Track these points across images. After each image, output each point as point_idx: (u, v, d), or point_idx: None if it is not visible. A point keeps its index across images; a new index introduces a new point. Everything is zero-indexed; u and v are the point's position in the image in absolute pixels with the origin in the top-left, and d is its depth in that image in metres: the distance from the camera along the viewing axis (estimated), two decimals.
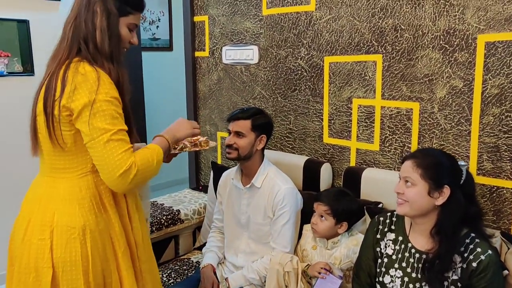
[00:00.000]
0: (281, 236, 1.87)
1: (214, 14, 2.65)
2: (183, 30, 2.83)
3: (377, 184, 1.93)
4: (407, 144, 1.96)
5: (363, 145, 2.11)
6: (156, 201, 2.54)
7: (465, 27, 1.75)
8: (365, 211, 1.88)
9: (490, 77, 1.71)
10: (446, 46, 1.81)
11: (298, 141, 2.36)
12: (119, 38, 1.33)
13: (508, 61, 1.67)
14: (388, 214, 1.55)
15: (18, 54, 2.79)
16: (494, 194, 1.75)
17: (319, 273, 1.68)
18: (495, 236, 1.60)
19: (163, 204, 2.48)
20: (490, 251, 1.33)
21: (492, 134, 1.73)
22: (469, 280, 1.34)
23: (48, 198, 1.31)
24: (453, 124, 1.83)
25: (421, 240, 1.43)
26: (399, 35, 1.93)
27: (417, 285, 1.41)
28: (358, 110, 2.11)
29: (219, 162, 2.75)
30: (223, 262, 2.07)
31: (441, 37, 1.82)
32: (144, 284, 1.41)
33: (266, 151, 2.03)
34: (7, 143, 2.76)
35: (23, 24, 2.76)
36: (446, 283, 1.35)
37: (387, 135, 2.03)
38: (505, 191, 1.72)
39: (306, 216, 1.95)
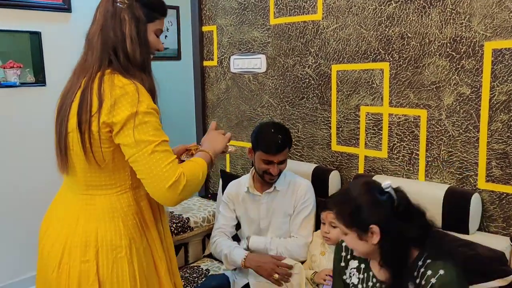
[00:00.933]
0: (302, 228, 1.93)
1: (222, 24, 2.68)
2: (192, 39, 2.87)
3: None
4: (415, 151, 1.97)
5: (371, 153, 2.12)
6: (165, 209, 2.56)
7: (472, 34, 1.76)
8: None
9: (498, 84, 1.72)
10: (453, 53, 1.82)
11: (306, 149, 2.38)
12: (148, 46, 1.28)
13: None
14: None
15: (30, 65, 2.84)
16: (504, 201, 1.75)
17: (324, 280, 1.71)
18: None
19: (173, 212, 2.50)
20: (441, 272, 1.23)
21: (500, 141, 1.74)
22: None
23: (87, 217, 1.24)
24: (461, 131, 1.83)
25: (379, 269, 1.37)
26: (405, 43, 1.95)
27: None
28: (366, 118, 2.12)
29: (227, 170, 2.77)
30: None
31: (448, 44, 1.83)
32: None
33: None
34: (19, 153, 2.80)
35: (35, 36, 2.81)
36: None
37: (395, 142, 2.03)
38: None
39: (315, 222, 1.97)
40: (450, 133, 1.86)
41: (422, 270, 1.27)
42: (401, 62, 1.97)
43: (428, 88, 1.90)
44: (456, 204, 1.73)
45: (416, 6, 1.89)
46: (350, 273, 1.47)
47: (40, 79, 2.86)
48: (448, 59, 1.84)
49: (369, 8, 2.04)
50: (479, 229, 1.78)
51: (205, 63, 2.82)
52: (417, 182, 1.95)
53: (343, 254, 1.50)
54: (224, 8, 2.65)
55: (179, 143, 1.52)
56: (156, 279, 1.30)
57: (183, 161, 1.41)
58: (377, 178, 2.00)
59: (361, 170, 2.16)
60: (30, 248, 2.84)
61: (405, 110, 1.98)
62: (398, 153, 2.03)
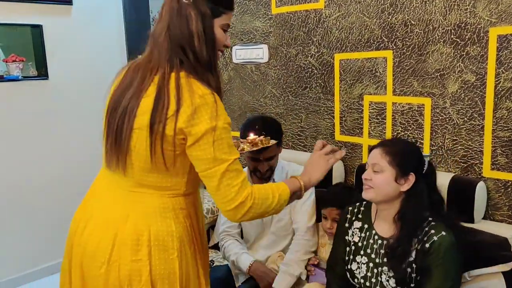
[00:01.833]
0: (301, 214, 1.91)
1: None
2: None
3: None
4: (419, 140, 1.95)
5: (375, 142, 2.08)
6: None
7: (477, 20, 1.73)
8: None
9: (503, 71, 1.69)
10: (458, 40, 1.79)
11: (310, 139, 2.36)
12: (215, 42, 1.23)
13: None
14: (357, 204, 1.61)
15: (33, 58, 2.85)
16: (509, 189, 1.73)
17: (309, 271, 1.79)
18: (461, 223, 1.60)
19: None
20: (443, 232, 1.38)
21: (506, 128, 1.71)
22: (423, 261, 1.38)
23: (137, 214, 1.20)
24: (465, 119, 1.81)
25: (384, 226, 1.49)
26: (409, 31, 1.92)
27: (380, 269, 1.47)
28: (369, 107, 2.10)
29: None
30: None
31: (452, 31, 1.80)
32: None
33: None
34: (22, 146, 2.81)
35: (37, 29, 2.81)
36: (403, 265, 1.40)
37: (399, 131, 2.01)
38: None
39: (316, 214, 1.96)
40: (455, 121, 1.84)
41: (426, 229, 1.41)
42: (404, 50, 1.95)
43: (432, 76, 1.88)
44: (461, 193, 1.72)
45: None
46: (352, 232, 1.57)
47: (42, 73, 2.86)
48: (452, 46, 1.81)
49: None
50: (484, 218, 1.77)
51: None
52: None
53: (348, 216, 1.60)
54: None
55: None
56: (197, 286, 1.29)
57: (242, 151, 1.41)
58: None
59: (365, 160, 2.14)
60: (40, 240, 2.87)
61: (409, 99, 1.96)
62: None
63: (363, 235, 1.54)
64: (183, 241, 1.23)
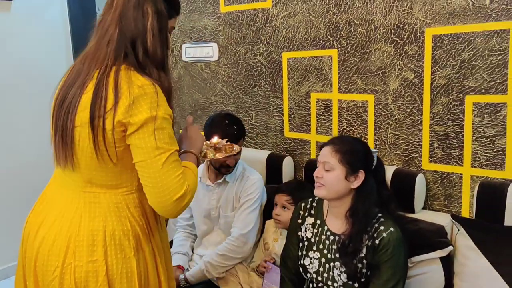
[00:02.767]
0: (241, 219, 1.92)
1: None
2: None
3: None
4: (364, 135, 2.03)
5: (322, 138, 2.16)
6: None
7: (414, 21, 1.83)
8: None
9: (438, 69, 1.80)
10: (397, 39, 1.88)
11: (260, 136, 2.40)
12: (168, 42, 1.22)
13: (453, 53, 1.76)
14: (310, 200, 1.65)
15: None
16: (445, 180, 1.84)
17: (264, 267, 1.81)
18: (410, 218, 1.72)
19: None
20: (391, 229, 1.44)
21: (441, 123, 1.82)
22: (373, 257, 1.44)
23: (91, 215, 1.18)
24: (406, 114, 1.91)
25: (336, 222, 1.54)
26: (353, 30, 1.99)
27: (332, 264, 1.52)
28: (316, 104, 2.16)
29: None
30: (191, 259, 2.08)
31: (392, 31, 1.89)
32: None
33: None
34: None
35: None
36: (354, 261, 1.46)
37: (345, 127, 2.09)
38: (454, 176, 1.82)
39: (269, 210, 2.00)
40: (396, 117, 1.94)
41: (376, 225, 1.46)
42: (348, 49, 2.02)
43: (375, 73, 1.96)
44: (402, 185, 1.81)
45: None
46: (305, 228, 1.60)
47: None
48: (392, 45, 1.90)
49: None
50: (424, 208, 1.88)
51: None
52: None
53: (301, 212, 1.63)
54: None
55: None
56: (157, 284, 1.27)
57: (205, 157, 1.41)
58: None
59: (313, 156, 2.21)
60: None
61: (353, 96, 2.04)
62: None
63: (315, 231, 1.58)
64: (139, 240, 1.21)
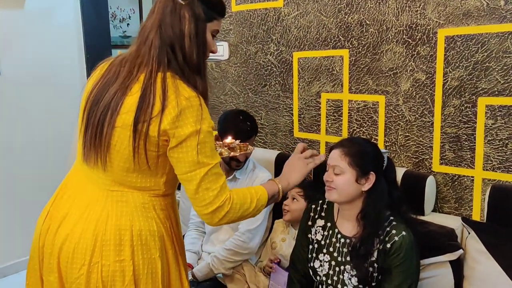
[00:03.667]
0: None
1: None
2: None
3: None
4: (374, 136, 2.02)
5: (332, 138, 2.15)
6: None
7: (426, 21, 1.82)
8: None
9: (450, 70, 1.78)
10: (409, 40, 1.87)
11: (269, 136, 2.40)
12: (206, 46, 1.23)
13: (466, 54, 1.74)
14: (320, 202, 1.63)
15: None
16: (456, 182, 1.82)
17: (270, 268, 1.81)
18: (420, 221, 1.71)
19: None
20: (404, 233, 1.42)
21: (453, 125, 1.80)
22: (384, 261, 1.42)
23: (118, 214, 1.18)
24: (417, 115, 1.89)
25: (347, 226, 1.52)
26: (364, 30, 1.98)
27: (342, 267, 1.50)
28: (326, 104, 2.15)
29: None
30: (200, 257, 2.08)
31: (404, 31, 1.88)
32: None
33: None
34: None
35: None
36: (366, 265, 1.44)
37: (355, 127, 2.08)
38: (465, 179, 1.79)
39: (278, 210, 1.99)
40: (407, 118, 1.92)
41: (387, 229, 1.45)
42: (360, 49, 2.01)
43: (386, 74, 1.95)
44: (412, 187, 1.79)
45: None
46: (315, 230, 1.59)
47: None
48: (404, 45, 1.88)
49: None
50: (434, 210, 1.86)
51: None
52: None
53: (312, 214, 1.61)
54: None
55: None
56: (180, 286, 1.28)
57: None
58: None
59: None
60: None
61: (364, 96, 2.03)
62: None
63: (326, 233, 1.56)
64: (164, 241, 1.23)
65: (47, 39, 2.94)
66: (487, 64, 1.69)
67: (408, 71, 1.89)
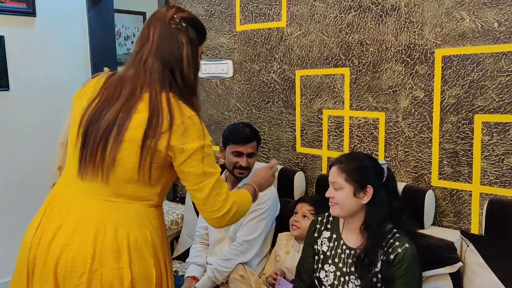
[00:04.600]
0: (247, 226, 1.97)
1: None
2: None
3: None
4: (374, 152, 2.07)
5: (333, 154, 2.21)
6: None
7: (424, 42, 1.89)
8: None
9: (448, 88, 1.85)
10: (408, 59, 1.94)
11: (272, 151, 2.45)
12: (199, 68, 1.35)
13: (462, 73, 1.81)
14: (326, 214, 1.67)
15: None
16: (454, 197, 1.88)
17: (275, 279, 1.84)
18: (419, 231, 1.76)
19: None
20: (407, 245, 1.47)
21: (451, 141, 1.87)
22: (388, 271, 1.47)
23: (115, 224, 1.24)
24: (416, 132, 1.96)
25: (351, 237, 1.57)
26: (364, 49, 2.06)
27: (347, 278, 1.54)
28: (328, 120, 2.22)
29: None
30: (205, 270, 2.11)
31: (403, 51, 1.95)
32: None
33: None
34: None
35: None
36: (370, 275, 1.49)
37: (356, 143, 2.14)
38: (464, 194, 1.85)
39: (281, 223, 2.04)
40: (406, 134, 1.98)
41: (391, 241, 1.50)
42: (360, 68, 2.08)
43: (386, 92, 2.02)
44: (412, 201, 1.84)
45: (373, 15, 2.01)
46: (321, 242, 1.64)
47: (3, 84, 2.81)
48: (403, 64, 1.96)
49: (330, 16, 2.14)
50: (433, 224, 1.90)
51: None
52: None
53: (318, 226, 1.67)
54: None
55: None
56: None
57: None
58: None
59: (324, 171, 2.25)
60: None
61: (364, 113, 2.09)
62: None
63: (331, 244, 1.61)
64: (156, 250, 1.29)
65: (56, 57, 3.02)
66: (482, 82, 1.77)
67: (407, 89, 1.96)
